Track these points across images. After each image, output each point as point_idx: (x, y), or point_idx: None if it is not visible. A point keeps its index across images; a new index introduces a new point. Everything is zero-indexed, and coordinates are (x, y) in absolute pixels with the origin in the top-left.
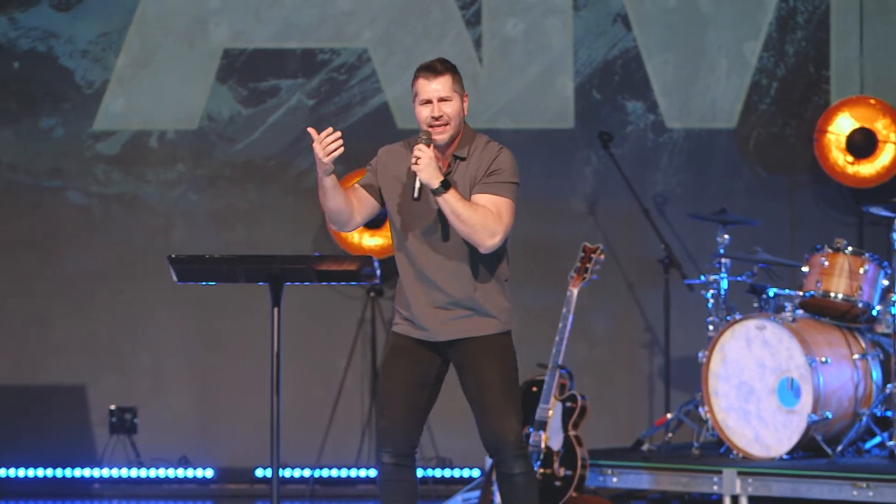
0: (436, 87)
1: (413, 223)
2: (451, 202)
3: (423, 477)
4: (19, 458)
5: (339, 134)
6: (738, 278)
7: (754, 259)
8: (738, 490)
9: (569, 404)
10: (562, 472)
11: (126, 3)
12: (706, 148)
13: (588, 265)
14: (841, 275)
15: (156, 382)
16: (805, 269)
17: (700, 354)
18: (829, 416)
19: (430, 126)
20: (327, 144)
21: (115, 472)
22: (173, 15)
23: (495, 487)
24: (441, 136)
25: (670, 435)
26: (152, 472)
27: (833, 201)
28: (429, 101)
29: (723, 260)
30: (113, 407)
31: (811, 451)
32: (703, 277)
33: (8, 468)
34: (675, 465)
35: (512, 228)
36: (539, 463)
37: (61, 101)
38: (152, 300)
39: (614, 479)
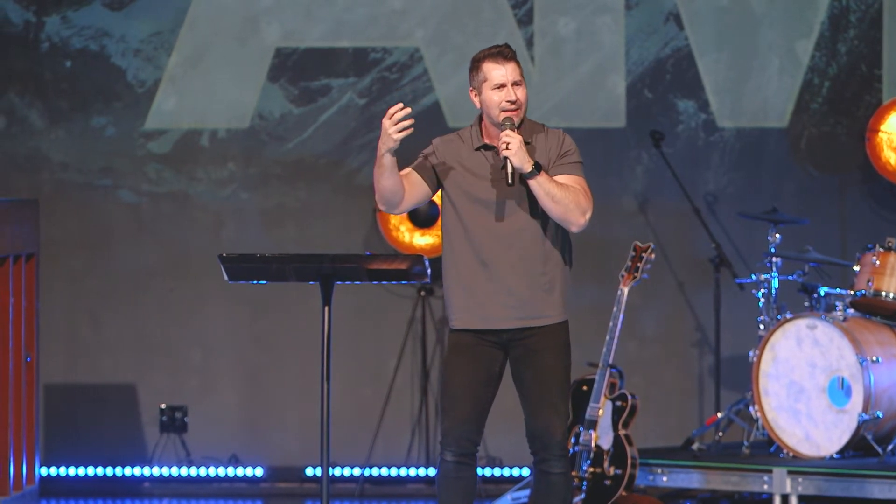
0: (511, 71)
1: (481, 209)
2: (544, 184)
3: None
4: (70, 456)
5: (409, 111)
6: (789, 277)
7: (805, 258)
8: (788, 489)
9: (619, 403)
10: (612, 471)
11: (178, 2)
12: (757, 147)
13: (639, 264)
14: (892, 274)
15: (206, 381)
16: (856, 268)
17: (750, 353)
18: (880, 415)
19: (505, 110)
20: (399, 121)
21: (165, 471)
22: (225, 14)
23: None
24: (516, 119)
25: (720, 434)
26: (202, 471)
27: (884, 200)
28: (502, 86)
29: (774, 259)
30: (163, 406)
31: (862, 450)
32: (753, 276)
33: (59, 467)
34: (725, 464)
35: None
36: (589, 462)
37: (113, 100)
38: (203, 299)
39: (664, 479)
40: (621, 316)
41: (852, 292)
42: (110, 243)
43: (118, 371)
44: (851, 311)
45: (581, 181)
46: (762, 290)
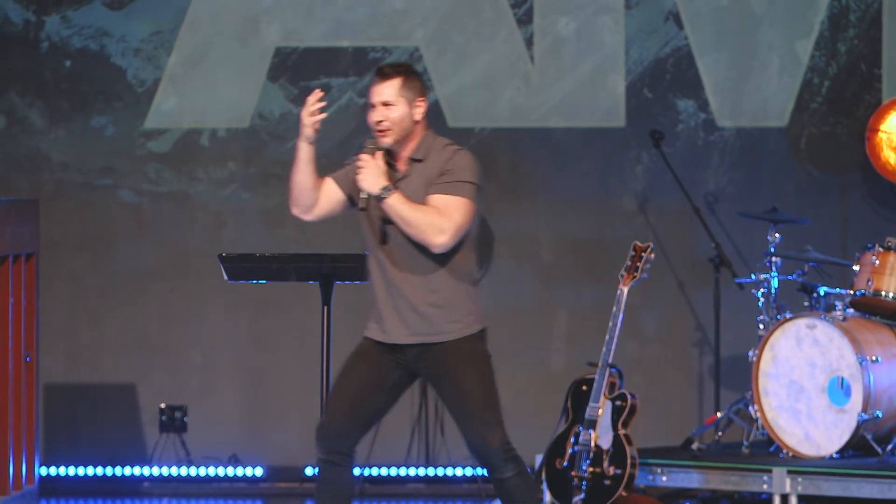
0: (382, 91)
1: (374, 228)
2: (394, 206)
3: (473, 476)
4: (70, 456)
5: (323, 94)
6: (789, 277)
7: (805, 258)
8: (787, 489)
9: (619, 403)
10: (611, 470)
11: (178, 1)
12: (757, 147)
13: (638, 264)
14: (892, 274)
15: (206, 381)
16: (856, 267)
17: (750, 353)
18: (880, 415)
19: (376, 130)
20: (312, 105)
21: (164, 471)
22: (225, 14)
23: (545, 486)
24: (384, 140)
25: (720, 434)
26: (202, 471)
27: (884, 200)
28: (374, 106)
29: (773, 259)
30: (163, 405)
31: (861, 450)
32: (753, 276)
33: (59, 466)
34: (724, 464)
35: (473, 225)
36: (589, 462)
37: (113, 100)
38: (203, 299)
39: (664, 478)
40: (621, 315)
41: (852, 292)
42: (110, 243)
43: (118, 371)
44: (851, 310)
45: (451, 200)
46: (762, 290)
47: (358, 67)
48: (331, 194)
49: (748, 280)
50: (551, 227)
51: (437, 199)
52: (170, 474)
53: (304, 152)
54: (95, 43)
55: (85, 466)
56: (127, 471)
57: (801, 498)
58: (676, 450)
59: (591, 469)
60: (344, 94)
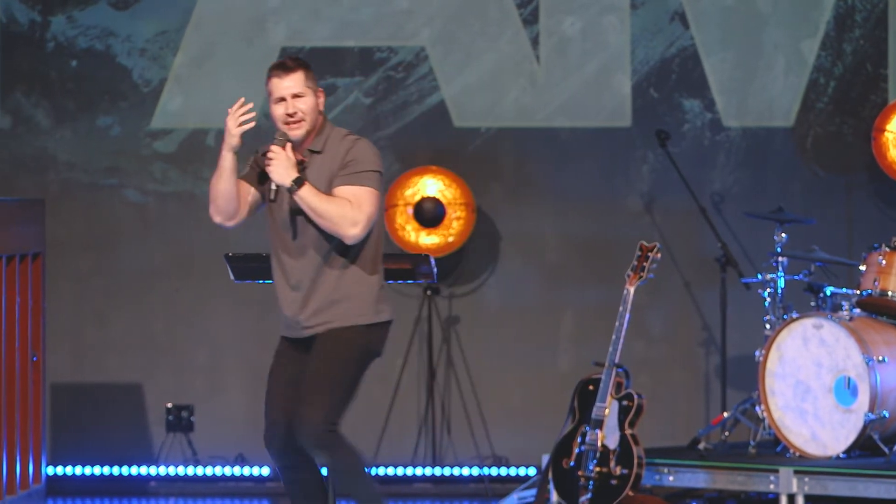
0: (288, 84)
1: (276, 224)
2: (306, 198)
3: (480, 475)
4: (77, 455)
5: (251, 105)
6: (795, 277)
7: (811, 258)
8: (794, 489)
9: (625, 403)
10: (618, 470)
11: (184, 1)
12: (763, 146)
13: (645, 264)
14: None
15: (212, 380)
16: (862, 267)
17: (757, 353)
18: (887, 415)
19: (286, 123)
20: (240, 115)
21: (171, 471)
22: (231, 14)
23: (551, 486)
24: (297, 132)
25: (727, 434)
26: (209, 471)
27: (891, 200)
28: (282, 99)
29: (780, 259)
30: (170, 405)
31: (868, 450)
32: (759, 276)
33: (66, 466)
34: (731, 463)
35: (377, 219)
36: (595, 461)
37: (119, 100)
38: (209, 298)
39: (670, 478)
40: (627, 315)
41: (858, 292)
42: (116, 243)
43: (124, 370)
44: (857, 310)
45: (359, 191)
46: (768, 290)
47: (364, 67)
48: (248, 196)
49: (754, 280)
50: (557, 227)
51: (345, 190)
52: (176, 474)
53: (228, 161)
54: (101, 43)
55: (91, 466)
56: (133, 470)
57: (807, 498)
58: (683, 450)
59: (597, 469)
60: (350, 93)
